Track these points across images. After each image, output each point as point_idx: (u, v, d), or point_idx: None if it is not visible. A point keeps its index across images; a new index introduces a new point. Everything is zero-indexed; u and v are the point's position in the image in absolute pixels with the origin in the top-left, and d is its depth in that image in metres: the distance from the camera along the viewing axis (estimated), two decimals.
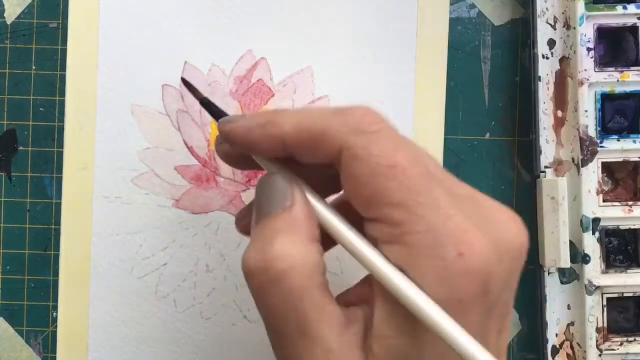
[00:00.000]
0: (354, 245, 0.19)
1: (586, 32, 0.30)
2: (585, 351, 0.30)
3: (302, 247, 0.19)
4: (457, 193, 0.19)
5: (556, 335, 0.30)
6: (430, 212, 0.18)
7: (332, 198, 0.23)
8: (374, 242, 0.19)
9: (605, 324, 0.30)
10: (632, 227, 0.30)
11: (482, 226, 0.19)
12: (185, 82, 0.27)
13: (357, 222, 0.20)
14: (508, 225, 0.20)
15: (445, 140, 0.31)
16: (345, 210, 0.20)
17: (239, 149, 0.22)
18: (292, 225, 0.19)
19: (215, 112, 0.24)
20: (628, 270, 0.30)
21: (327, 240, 0.20)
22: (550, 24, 0.30)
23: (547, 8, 0.30)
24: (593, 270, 0.30)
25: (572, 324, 0.30)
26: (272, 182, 0.21)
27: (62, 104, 0.31)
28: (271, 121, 0.20)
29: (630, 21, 0.30)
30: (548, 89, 0.30)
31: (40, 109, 0.32)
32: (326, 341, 0.18)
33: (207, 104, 0.25)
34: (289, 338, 0.19)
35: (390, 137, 0.19)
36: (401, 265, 0.18)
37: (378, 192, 0.18)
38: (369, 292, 0.20)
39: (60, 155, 0.31)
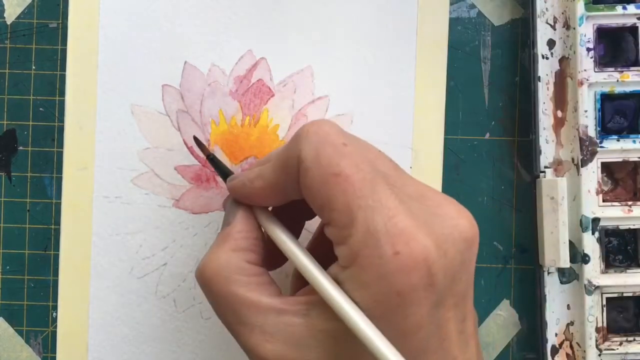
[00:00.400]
0: (292, 253, 0.22)
1: (586, 32, 0.30)
2: (584, 351, 0.30)
3: (225, 254, 0.23)
4: (407, 192, 0.21)
5: (556, 335, 0.30)
6: (371, 215, 0.20)
7: None
8: (333, 243, 0.21)
9: (604, 324, 0.30)
10: (632, 227, 0.30)
11: (427, 222, 0.20)
12: (195, 140, 0.29)
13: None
14: (455, 219, 0.21)
15: (445, 140, 0.31)
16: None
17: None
18: (225, 238, 0.23)
19: (222, 170, 0.27)
20: (628, 270, 0.30)
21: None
22: (550, 24, 0.30)
23: (547, 8, 0.30)
24: (593, 270, 0.30)
25: (571, 323, 0.30)
26: (230, 204, 0.25)
27: (62, 104, 0.31)
28: (258, 176, 0.23)
29: (630, 21, 0.30)
30: (548, 89, 0.30)
31: (40, 109, 0.32)
32: (261, 325, 0.22)
33: (213, 161, 0.28)
34: (232, 326, 0.22)
35: (336, 145, 0.21)
36: (347, 264, 0.20)
37: (326, 199, 0.21)
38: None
39: (60, 155, 0.31)
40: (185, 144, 0.31)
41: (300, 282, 0.24)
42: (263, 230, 0.24)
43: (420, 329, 0.20)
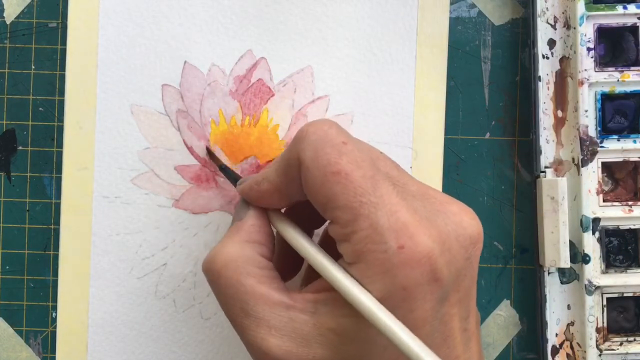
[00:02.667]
0: (304, 248, 0.22)
1: (586, 32, 0.30)
2: (585, 351, 0.30)
3: (237, 246, 0.23)
4: (409, 191, 0.22)
5: (556, 335, 0.30)
6: (374, 211, 0.20)
7: None
8: (337, 241, 0.22)
9: (605, 324, 0.30)
10: (632, 227, 0.30)
11: (430, 219, 0.21)
12: (208, 151, 0.30)
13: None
14: (458, 216, 0.22)
15: (445, 140, 0.31)
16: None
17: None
18: (236, 231, 0.24)
19: (233, 177, 0.28)
20: (628, 270, 0.30)
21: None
22: (551, 24, 0.30)
23: (547, 8, 0.30)
24: (593, 270, 0.30)
25: (572, 323, 0.30)
26: (239, 203, 0.25)
27: (61, 104, 0.31)
28: (263, 179, 0.24)
29: (630, 21, 0.30)
30: (548, 89, 0.30)
31: (40, 108, 0.32)
32: (268, 319, 0.22)
33: (224, 170, 0.29)
34: (239, 319, 0.22)
35: (335, 144, 0.21)
36: (352, 260, 0.21)
37: (327, 197, 0.21)
38: (324, 283, 0.22)
39: (59, 155, 0.31)
40: (185, 144, 0.31)
41: (310, 281, 0.24)
42: (274, 231, 0.24)
43: (425, 323, 0.20)
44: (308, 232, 0.26)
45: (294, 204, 0.24)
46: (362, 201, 0.20)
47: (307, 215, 0.25)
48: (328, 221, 0.22)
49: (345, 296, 0.20)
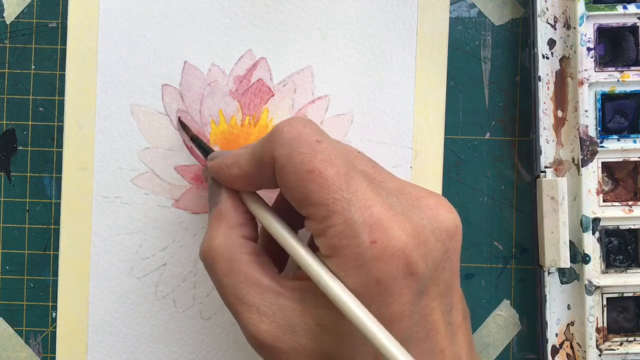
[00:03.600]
0: (281, 235, 0.23)
1: (586, 32, 0.30)
2: (585, 351, 0.30)
3: (224, 232, 0.23)
4: (385, 187, 0.22)
5: (556, 335, 0.30)
6: (347, 207, 0.20)
7: None
8: (313, 235, 0.22)
9: (605, 324, 0.30)
10: (632, 227, 0.30)
11: (406, 214, 0.21)
12: (180, 122, 0.30)
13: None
14: (434, 210, 0.22)
15: (445, 140, 0.31)
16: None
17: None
18: (218, 217, 0.24)
19: (204, 148, 0.28)
20: (628, 270, 0.30)
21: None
22: (551, 24, 0.30)
23: (547, 8, 0.30)
24: (593, 270, 0.30)
25: (572, 323, 0.30)
26: (210, 186, 0.25)
27: (61, 104, 0.31)
28: (233, 163, 0.24)
29: (630, 21, 0.30)
30: (548, 89, 0.30)
31: (40, 108, 0.32)
32: (259, 306, 0.22)
33: (195, 140, 0.29)
34: (233, 305, 0.23)
35: (309, 143, 0.21)
36: (328, 254, 0.21)
37: (303, 195, 0.21)
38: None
39: (59, 155, 0.31)
40: (185, 144, 0.31)
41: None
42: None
43: (404, 317, 0.21)
44: (298, 221, 0.26)
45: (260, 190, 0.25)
46: (336, 198, 0.21)
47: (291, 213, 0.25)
48: (304, 217, 0.22)
49: (319, 286, 0.21)
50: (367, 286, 0.20)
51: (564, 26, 0.30)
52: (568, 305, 0.30)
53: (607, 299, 0.30)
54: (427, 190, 0.23)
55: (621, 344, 0.30)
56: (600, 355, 0.30)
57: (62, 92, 0.31)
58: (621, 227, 0.30)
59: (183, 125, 0.30)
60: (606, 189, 0.31)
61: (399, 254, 0.20)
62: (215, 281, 0.23)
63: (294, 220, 0.24)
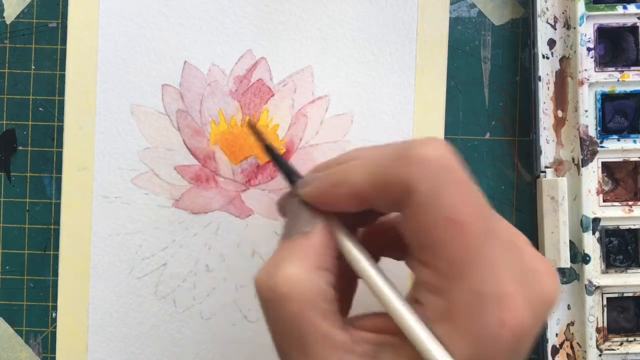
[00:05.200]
0: (376, 285, 0.20)
1: (586, 32, 0.30)
2: (585, 351, 0.30)
3: (307, 273, 0.19)
4: (500, 237, 0.19)
5: (556, 335, 0.30)
6: (481, 273, 0.18)
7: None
8: (418, 283, 0.19)
9: (605, 324, 0.30)
10: (632, 227, 0.30)
11: (522, 281, 0.18)
12: (251, 126, 0.26)
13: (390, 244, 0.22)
14: (545, 278, 0.20)
15: (445, 140, 0.31)
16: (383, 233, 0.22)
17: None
18: (304, 252, 0.20)
19: (288, 171, 0.24)
20: (628, 270, 0.30)
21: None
22: (551, 24, 0.30)
23: (547, 8, 0.30)
24: (593, 270, 0.30)
25: (572, 323, 0.30)
26: (300, 207, 0.21)
27: (61, 104, 0.31)
28: (344, 180, 0.20)
29: (630, 21, 0.30)
30: (548, 89, 0.30)
31: (40, 108, 0.32)
32: None
33: (280, 163, 0.24)
34: (292, 355, 0.19)
35: (460, 182, 0.18)
36: (438, 318, 0.18)
37: (435, 243, 0.18)
38: (385, 322, 0.20)
39: (59, 155, 0.31)
40: (185, 144, 0.31)
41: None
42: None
43: None
44: (352, 229, 0.23)
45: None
46: (472, 259, 0.18)
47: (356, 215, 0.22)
48: (418, 260, 0.19)
49: (424, 355, 0.18)
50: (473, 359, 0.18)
51: (564, 26, 0.30)
52: (568, 305, 0.30)
53: (607, 299, 0.30)
54: (534, 249, 0.21)
55: (621, 344, 0.30)
56: (600, 355, 0.30)
57: (62, 92, 0.31)
58: (621, 227, 0.30)
59: (254, 131, 0.25)
60: (606, 189, 0.31)
61: (517, 333, 0.18)
62: (275, 322, 0.20)
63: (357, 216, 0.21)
